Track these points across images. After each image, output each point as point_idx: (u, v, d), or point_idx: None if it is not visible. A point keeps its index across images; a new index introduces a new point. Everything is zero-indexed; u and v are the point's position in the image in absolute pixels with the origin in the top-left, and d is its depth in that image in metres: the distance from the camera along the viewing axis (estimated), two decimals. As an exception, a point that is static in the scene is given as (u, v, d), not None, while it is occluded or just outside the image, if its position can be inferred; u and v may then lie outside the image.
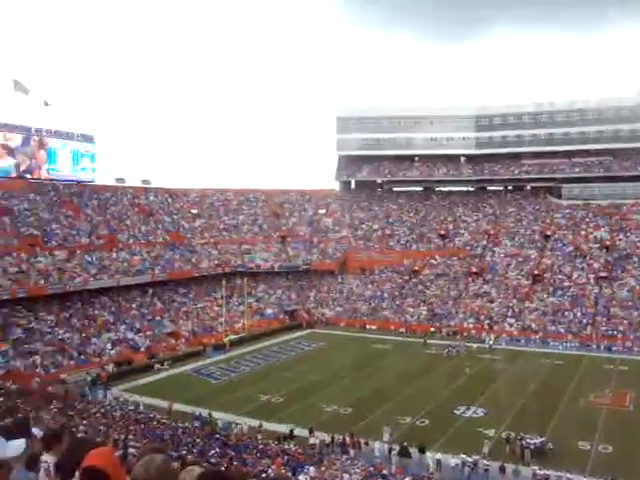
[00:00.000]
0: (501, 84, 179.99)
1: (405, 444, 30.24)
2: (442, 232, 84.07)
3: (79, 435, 24.91)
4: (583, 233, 77.61)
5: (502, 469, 28.23)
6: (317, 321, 71.64)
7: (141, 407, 37.35)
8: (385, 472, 26.80)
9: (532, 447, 30.54)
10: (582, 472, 27.85)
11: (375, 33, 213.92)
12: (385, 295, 74.57)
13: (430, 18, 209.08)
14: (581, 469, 28.27)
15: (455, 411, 37.87)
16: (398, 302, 72.58)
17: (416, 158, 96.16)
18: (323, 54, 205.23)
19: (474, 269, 75.53)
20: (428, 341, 59.69)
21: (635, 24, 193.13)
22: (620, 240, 74.25)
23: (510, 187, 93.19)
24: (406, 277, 77.66)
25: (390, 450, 30.19)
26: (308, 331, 67.76)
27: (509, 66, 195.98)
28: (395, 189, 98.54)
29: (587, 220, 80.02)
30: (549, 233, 79.13)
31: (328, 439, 31.66)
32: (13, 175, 65.35)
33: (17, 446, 4.60)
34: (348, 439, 31.46)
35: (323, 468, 25.51)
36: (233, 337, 61.09)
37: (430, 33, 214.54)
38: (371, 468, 27.00)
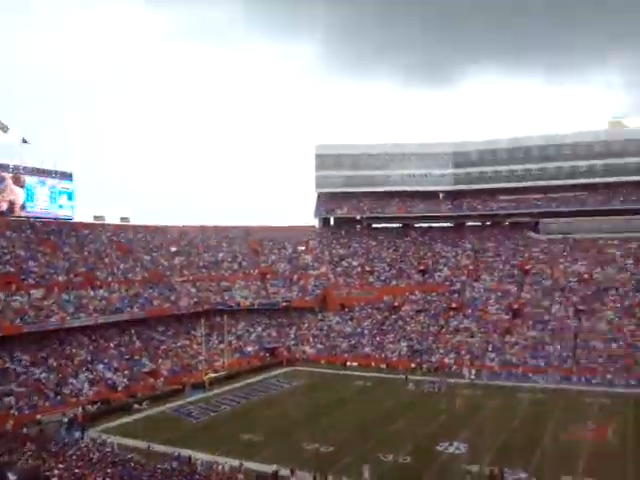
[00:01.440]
0: (478, 122, 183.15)
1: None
2: (421, 268, 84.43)
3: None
4: (561, 267, 78.34)
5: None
6: (297, 359, 71.11)
7: (116, 448, 36.50)
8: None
9: (515, 483, 30.36)
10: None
11: (355, 76, 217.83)
12: (365, 332, 74.36)
13: (407, 64, 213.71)
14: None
15: (437, 447, 37.52)
16: (378, 338, 72.36)
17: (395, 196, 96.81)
18: (305, 95, 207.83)
19: (454, 304, 75.72)
20: (409, 377, 59.44)
21: (602, 65, 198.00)
22: (597, 273, 75.00)
23: (488, 223, 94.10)
24: (386, 313, 77.62)
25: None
26: (288, 369, 67.18)
27: (486, 105, 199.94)
28: (374, 225, 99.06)
29: (565, 254, 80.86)
30: (528, 267, 79.77)
31: (310, 479, 31.14)
32: (-10, 213, 64.85)
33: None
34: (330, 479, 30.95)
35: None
36: (213, 375, 60.35)
37: (408, 78, 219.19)
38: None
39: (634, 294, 70.14)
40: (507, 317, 71.65)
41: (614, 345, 62.46)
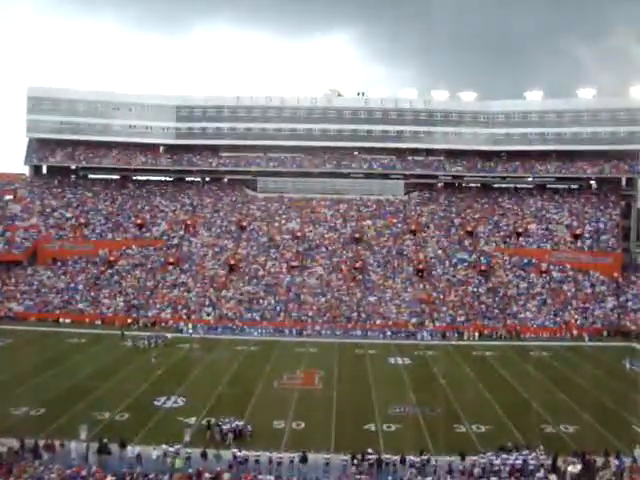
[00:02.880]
0: (204, 78, 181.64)
1: (105, 441, 28.80)
2: (139, 222, 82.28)
3: None
4: (276, 224, 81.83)
5: (204, 455, 28.30)
6: (3, 317, 65.22)
7: None
8: (84, 473, 25.22)
9: (231, 431, 31.19)
10: (278, 449, 29.21)
11: (84, 16, 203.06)
12: (79, 287, 70.66)
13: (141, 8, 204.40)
14: (277, 446, 29.64)
15: (155, 402, 37.15)
16: (93, 294, 69.27)
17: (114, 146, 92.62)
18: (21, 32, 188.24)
19: (171, 259, 75.22)
20: (125, 333, 57.95)
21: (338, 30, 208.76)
22: (310, 232, 79.77)
23: (208, 179, 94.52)
24: (101, 268, 74.52)
25: (88, 449, 28.51)
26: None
27: (214, 61, 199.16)
28: (91, 176, 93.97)
29: (280, 212, 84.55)
30: (245, 224, 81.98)
31: (17, 445, 28.78)
32: None
33: None
34: (41, 442, 28.94)
35: (12, 478, 23.28)
36: None
37: (141, 22, 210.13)
38: (68, 471, 25.24)
39: (341, 252, 76.02)
40: (223, 272, 73.10)
41: (323, 299, 67.18)
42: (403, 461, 27.91)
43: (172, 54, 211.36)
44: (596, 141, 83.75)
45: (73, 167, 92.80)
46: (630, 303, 67.22)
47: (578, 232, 77.63)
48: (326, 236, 79.24)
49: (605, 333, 62.88)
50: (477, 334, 61.29)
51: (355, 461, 27.75)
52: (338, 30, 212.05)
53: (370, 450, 28.66)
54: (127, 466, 26.74)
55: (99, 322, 64.23)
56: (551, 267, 73.12)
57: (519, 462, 27.47)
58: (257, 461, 27.95)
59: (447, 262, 74.98)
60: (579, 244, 76.36)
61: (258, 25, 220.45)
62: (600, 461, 27.70)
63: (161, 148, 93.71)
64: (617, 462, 27.56)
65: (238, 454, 28.20)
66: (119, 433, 30.26)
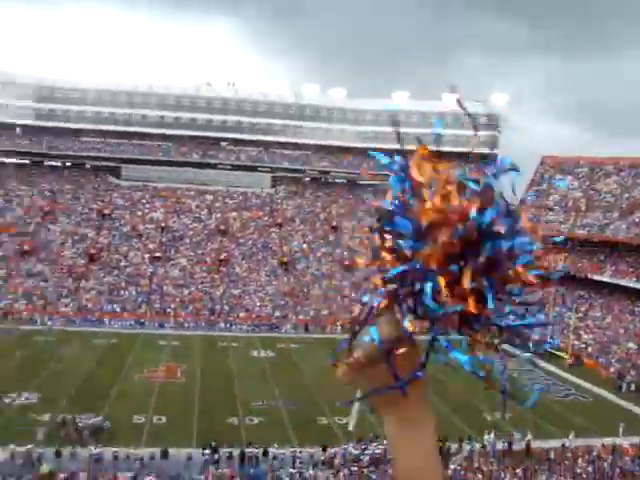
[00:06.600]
0: (70, 58, 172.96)
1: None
2: (-8, 206, 77.58)
3: None
4: (140, 214, 79.83)
5: (58, 453, 27.38)
6: None
7: None
8: None
9: (88, 427, 30.37)
10: (138, 444, 28.80)
11: None
12: None
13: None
14: (137, 442, 29.21)
15: (5, 399, 35.35)
16: (-63, 282, 64.68)
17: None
18: None
19: (26, 247, 71.49)
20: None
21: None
22: (174, 222, 78.49)
23: (69, 164, 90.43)
24: (-52, 254, 69.66)
25: None
26: None
27: (82, 41, 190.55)
28: None
29: (144, 201, 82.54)
30: (107, 212, 79.38)
31: None
32: None
33: None
34: None
35: None
36: None
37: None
38: None
39: (206, 243, 75.39)
40: (83, 262, 70.48)
41: (186, 291, 66.39)
42: (266, 453, 28.33)
43: (36, 29, 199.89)
44: (459, 143, 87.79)
45: None
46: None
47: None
48: (191, 227, 78.30)
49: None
50: (340, 327, 62.64)
51: (205, 453, 27.94)
52: (216, 19, 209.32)
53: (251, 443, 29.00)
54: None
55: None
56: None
57: (379, 451, 28.59)
58: (116, 457, 27.40)
59: (311, 256, 76.24)
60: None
61: (132, 5, 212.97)
62: (454, 447, 29.48)
63: (17, 129, 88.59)
64: (469, 447, 29.52)
65: (94, 451, 27.51)
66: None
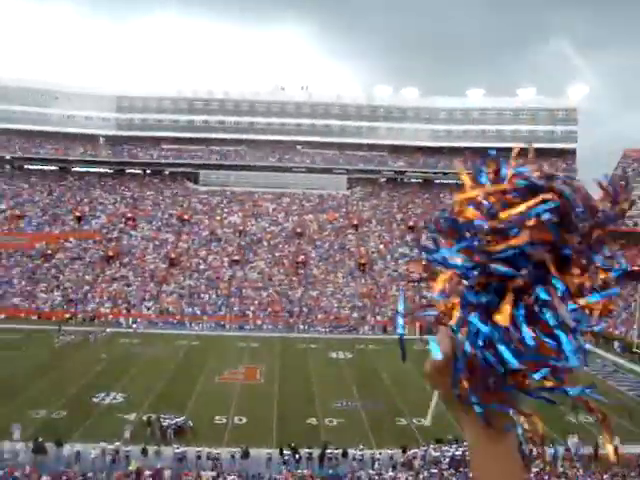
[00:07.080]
0: (147, 68, 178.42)
1: (40, 440, 28.15)
2: (77, 214, 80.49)
3: None
4: (218, 218, 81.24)
5: (144, 451, 28.01)
6: None
7: None
8: (17, 474, 24.59)
9: (172, 427, 30.96)
10: (219, 444, 29.15)
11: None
12: (14, 281, 68.65)
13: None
14: (219, 442, 29.57)
15: (94, 399, 36.47)
16: (29, 288, 67.47)
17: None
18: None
19: (110, 252, 73.84)
20: (63, 328, 56.61)
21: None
22: (252, 225, 79.48)
23: (149, 171, 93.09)
24: (38, 261, 72.60)
25: (21, 448, 27.81)
26: None
27: (158, 51, 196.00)
28: (27, 167, 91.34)
29: (222, 206, 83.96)
30: (186, 217, 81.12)
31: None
32: None
33: None
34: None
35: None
36: None
37: (92, 7, 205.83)
38: (0, 472, 24.60)
39: (283, 246, 75.98)
40: (164, 266, 72.23)
41: (264, 293, 67.06)
42: (345, 454, 28.21)
43: (115, 42, 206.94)
44: (534, 139, 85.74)
45: (8, 157, 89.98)
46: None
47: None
48: (268, 230, 79.09)
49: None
50: (418, 329, 61.84)
51: (285, 454, 28.03)
52: (291, 24, 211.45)
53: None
54: (64, 465, 26.25)
55: (35, 317, 62.52)
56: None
57: (459, 453, 28.03)
58: (198, 457, 27.83)
59: (389, 257, 75.77)
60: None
61: (206, 14, 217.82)
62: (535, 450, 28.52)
63: (101, 139, 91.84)
64: (552, 451, 28.49)
65: (177, 450, 28.02)
66: (56, 431, 29.65)
